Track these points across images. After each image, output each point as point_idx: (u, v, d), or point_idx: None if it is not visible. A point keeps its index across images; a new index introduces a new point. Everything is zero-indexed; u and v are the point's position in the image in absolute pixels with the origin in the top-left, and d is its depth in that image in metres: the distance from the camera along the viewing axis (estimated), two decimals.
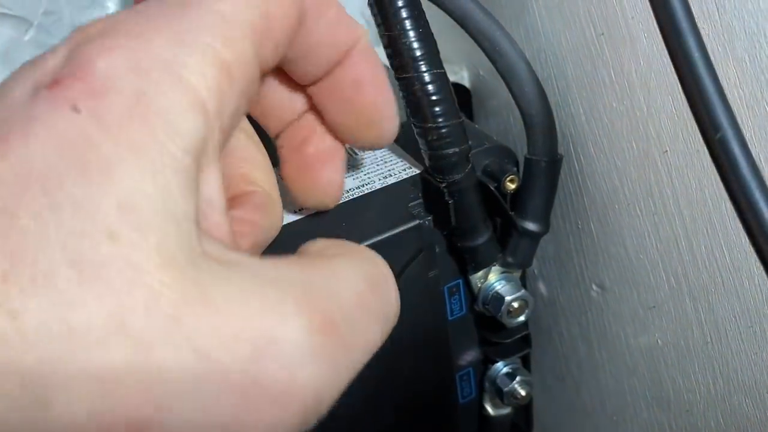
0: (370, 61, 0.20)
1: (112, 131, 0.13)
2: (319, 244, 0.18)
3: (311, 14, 0.18)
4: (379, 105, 0.21)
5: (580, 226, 0.31)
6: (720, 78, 0.21)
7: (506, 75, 0.27)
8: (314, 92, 0.21)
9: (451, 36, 0.28)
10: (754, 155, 0.21)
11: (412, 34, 0.25)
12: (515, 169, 0.29)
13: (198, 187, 0.15)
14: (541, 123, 0.27)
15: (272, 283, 0.14)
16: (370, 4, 0.25)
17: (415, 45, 0.25)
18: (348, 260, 0.17)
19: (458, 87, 0.35)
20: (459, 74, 0.36)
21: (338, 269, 0.16)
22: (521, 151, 0.28)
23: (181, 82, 0.14)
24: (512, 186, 0.28)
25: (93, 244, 0.13)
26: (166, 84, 0.14)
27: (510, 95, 0.27)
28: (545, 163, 0.27)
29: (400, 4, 0.25)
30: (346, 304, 0.15)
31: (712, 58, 0.21)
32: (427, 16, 0.26)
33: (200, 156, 0.15)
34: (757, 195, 0.18)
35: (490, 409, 0.33)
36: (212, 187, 0.16)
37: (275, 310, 0.14)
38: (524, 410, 0.34)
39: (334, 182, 0.23)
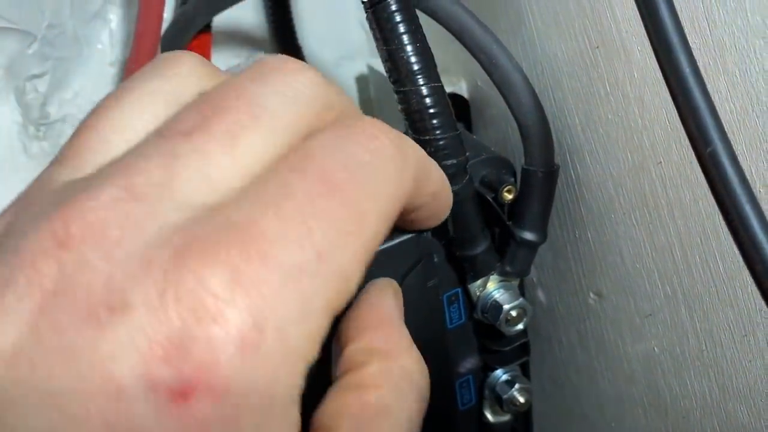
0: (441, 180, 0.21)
1: None
2: (361, 357, 0.18)
3: None
4: (449, 204, 0.22)
5: (577, 235, 0.31)
6: (711, 91, 0.21)
7: (503, 87, 0.27)
8: None
9: (450, 47, 0.28)
10: (745, 167, 0.21)
11: (409, 48, 0.25)
12: (512, 179, 0.29)
13: None
14: (538, 134, 0.27)
15: None
16: (368, 19, 0.26)
17: (413, 59, 0.25)
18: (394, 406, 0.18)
19: (456, 97, 0.36)
20: (457, 85, 0.36)
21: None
22: (519, 160, 0.29)
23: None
24: (509, 196, 0.29)
25: None
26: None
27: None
28: (542, 174, 0.28)
29: (398, 19, 0.25)
30: None
31: (703, 71, 0.21)
32: (425, 27, 0.26)
33: None
34: (748, 209, 0.18)
35: (489, 416, 0.33)
36: None
37: None
38: (524, 417, 0.35)
39: None
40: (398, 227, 0.22)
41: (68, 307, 0.13)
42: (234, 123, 0.15)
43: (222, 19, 0.36)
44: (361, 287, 0.22)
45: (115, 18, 0.37)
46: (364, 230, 0.15)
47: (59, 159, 0.16)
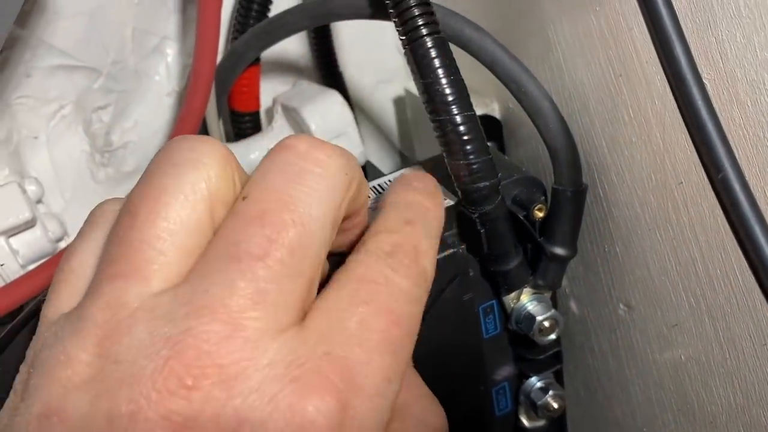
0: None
1: None
2: None
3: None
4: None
5: (606, 250, 0.33)
6: (725, 120, 0.23)
7: (532, 113, 0.29)
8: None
9: (483, 71, 0.30)
10: (759, 189, 0.23)
11: (444, 81, 0.27)
12: (543, 197, 0.31)
13: None
14: (566, 156, 0.29)
15: None
16: (406, 55, 0.28)
17: (448, 90, 0.27)
18: None
19: (490, 118, 0.38)
20: (490, 106, 0.38)
21: None
22: (550, 178, 0.30)
23: None
24: (540, 214, 0.31)
25: None
26: None
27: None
28: (571, 193, 0.30)
29: (433, 54, 0.27)
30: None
31: (717, 101, 0.23)
32: (460, 55, 0.28)
33: None
34: (757, 229, 0.20)
35: (525, 422, 0.35)
36: None
37: None
38: (558, 422, 0.36)
39: None
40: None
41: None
42: (295, 241, 0.17)
43: (269, 50, 0.39)
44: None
45: (171, 52, 0.39)
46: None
47: (120, 273, 0.16)
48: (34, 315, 0.29)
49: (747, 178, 0.20)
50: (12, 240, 0.31)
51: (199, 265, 0.17)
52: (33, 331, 0.28)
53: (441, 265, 0.29)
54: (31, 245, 0.32)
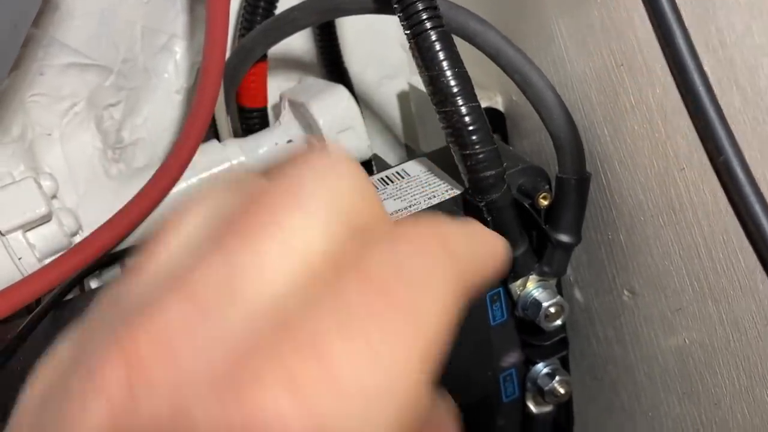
0: None
1: None
2: None
3: None
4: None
5: (610, 237, 0.33)
6: (726, 104, 0.24)
7: (536, 103, 0.30)
8: None
9: (487, 65, 0.31)
10: (759, 172, 0.23)
11: (449, 73, 0.28)
12: (548, 186, 0.32)
13: None
14: (570, 145, 0.30)
15: None
16: (411, 48, 0.29)
17: (453, 83, 0.28)
18: None
19: (494, 111, 0.38)
20: (494, 99, 0.39)
21: None
22: (554, 168, 0.31)
23: None
24: (545, 202, 0.31)
25: None
26: None
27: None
28: (575, 181, 0.30)
29: (437, 48, 0.28)
30: None
31: (717, 86, 0.24)
32: (464, 48, 0.29)
33: None
34: (758, 209, 0.20)
35: (532, 407, 0.36)
36: None
37: None
38: (565, 408, 0.37)
39: None
40: None
41: (137, 424, 0.13)
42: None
43: (275, 47, 0.40)
44: None
45: (179, 50, 0.40)
46: (428, 345, 0.14)
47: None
48: (53, 307, 0.30)
49: (747, 160, 0.21)
50: (29, 234, 0.32)
51: None
52: (52, 323, 0.29)
53: None
54: (47, 239, 0.32)
